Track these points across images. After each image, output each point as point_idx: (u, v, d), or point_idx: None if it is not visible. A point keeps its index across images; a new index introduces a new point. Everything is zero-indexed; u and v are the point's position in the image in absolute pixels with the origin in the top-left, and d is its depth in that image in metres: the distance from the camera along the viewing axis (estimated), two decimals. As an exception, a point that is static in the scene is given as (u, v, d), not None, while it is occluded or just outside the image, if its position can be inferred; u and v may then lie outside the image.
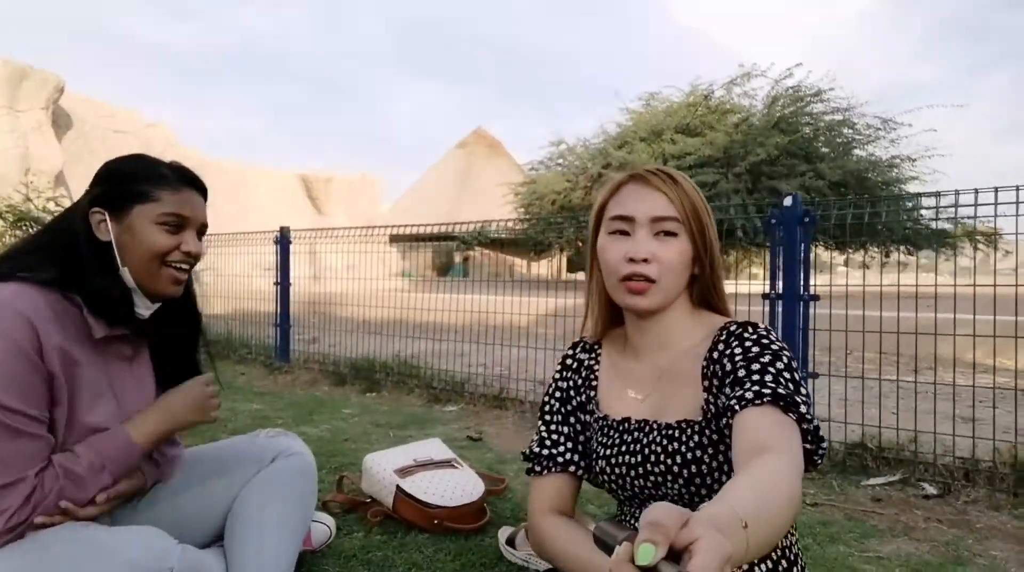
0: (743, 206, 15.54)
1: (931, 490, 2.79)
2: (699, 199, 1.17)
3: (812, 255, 3.29)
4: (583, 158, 19.01)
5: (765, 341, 1.09)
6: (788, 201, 3.26)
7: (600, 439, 1.25)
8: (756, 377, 1.02)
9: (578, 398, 1.32)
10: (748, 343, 1.09)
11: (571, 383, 1.34)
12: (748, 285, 4.13)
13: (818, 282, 3.42)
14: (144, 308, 1.44)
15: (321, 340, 6.00)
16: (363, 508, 2.30)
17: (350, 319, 5.69)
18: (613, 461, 1.22)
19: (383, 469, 2.30)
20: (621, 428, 1.22)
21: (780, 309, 3.26)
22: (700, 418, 1.12)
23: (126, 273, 1.38)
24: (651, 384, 1.22)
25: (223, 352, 6.09)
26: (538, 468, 1.29)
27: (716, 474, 1.11)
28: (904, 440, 2.98)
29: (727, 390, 1.06)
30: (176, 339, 1.57)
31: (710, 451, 1.11)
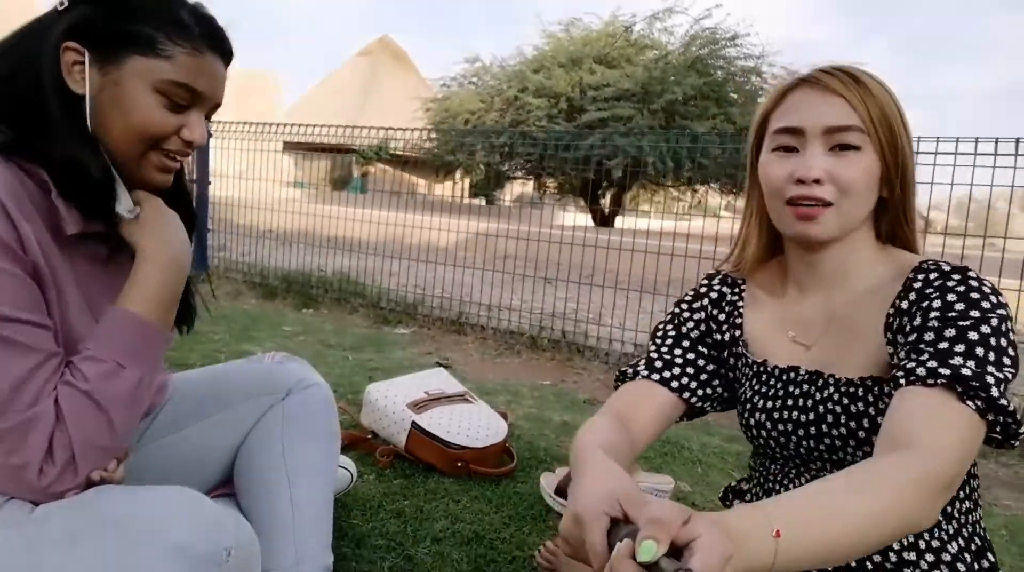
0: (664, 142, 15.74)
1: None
2: (890, 103, 0.93)
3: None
4: (499, 79, 18.41)
5: (976, 295, 0.86)
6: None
7: (757, 388, 1.05)
8: (944, 345, 0.82)
9: (719, 335, 1.12)
10: (952, 297, 0.86)
11: (707, 314, 1.13)
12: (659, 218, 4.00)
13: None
14: (126, 208, 1.00)
15: (229, 248, 5.36)
16: (363, 445, 2.00)
17: (251, 227, 5.14)
18: (776, 416, 1.03)
19: (393, 402, 1.98)
20: (786, 378, 1.02)
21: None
22: (889, 376, 0.90)
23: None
24: (820, 328, 1.01)
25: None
26: (644, 372, 1.08)
27: None
28: None
29: (902, 353, 0.86)
30: None
31: None
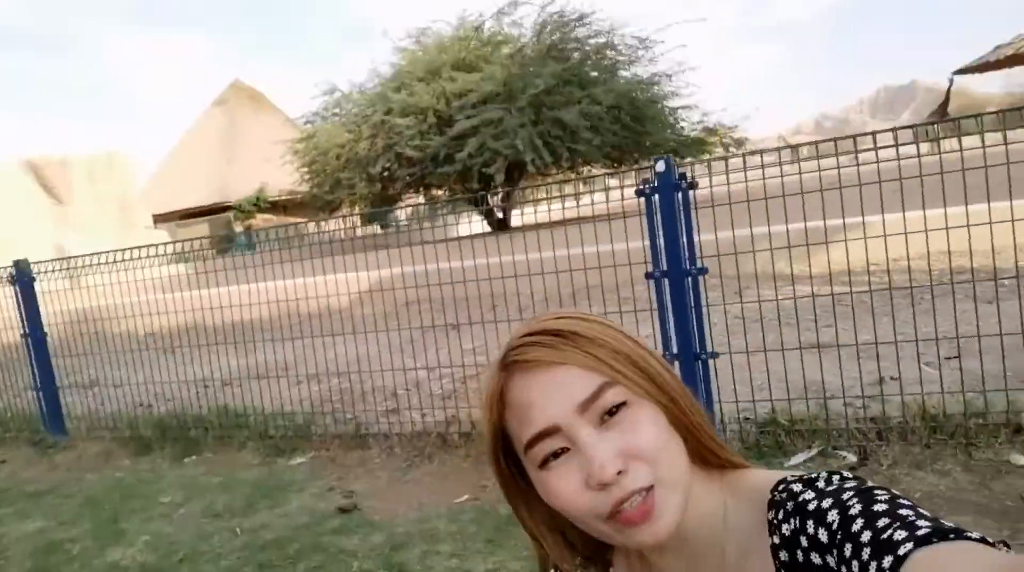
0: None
1: (851, 457, 2.71)
2: (609, 332, 0.75)
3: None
4: (362, 105, 17.88)
5: (833, 491, 0.67)
6: (660, 166, 2.89)
7: None
8: (874, 535, 0.61)
9: None
10: (823, 506, 0.66)
11: None
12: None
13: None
14: None
15: (102, 380, 4.75)
16: None
17: (129, 338, 4.57)
18: None
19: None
20: None
21: (667, 288, 2.94)
22: None
23: None
24: None
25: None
26: None
27: None
28: (814, 410, 2.85)
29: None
30: None
31: None
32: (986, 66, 21.46)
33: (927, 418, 2.69)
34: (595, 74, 17.23)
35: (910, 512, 0.60)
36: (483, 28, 18.11)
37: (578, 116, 15.46)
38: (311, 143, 18.33)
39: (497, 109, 15.63)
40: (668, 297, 2.96)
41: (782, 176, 2.81)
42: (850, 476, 0.68)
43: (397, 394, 4.18)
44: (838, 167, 2.77)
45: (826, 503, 0.66)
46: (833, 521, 0.65)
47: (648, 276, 3.01)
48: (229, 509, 3.10)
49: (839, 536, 0.64)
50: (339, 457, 3.54)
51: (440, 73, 17.02)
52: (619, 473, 0.67)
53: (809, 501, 0.67)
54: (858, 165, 2.73)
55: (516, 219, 16.19)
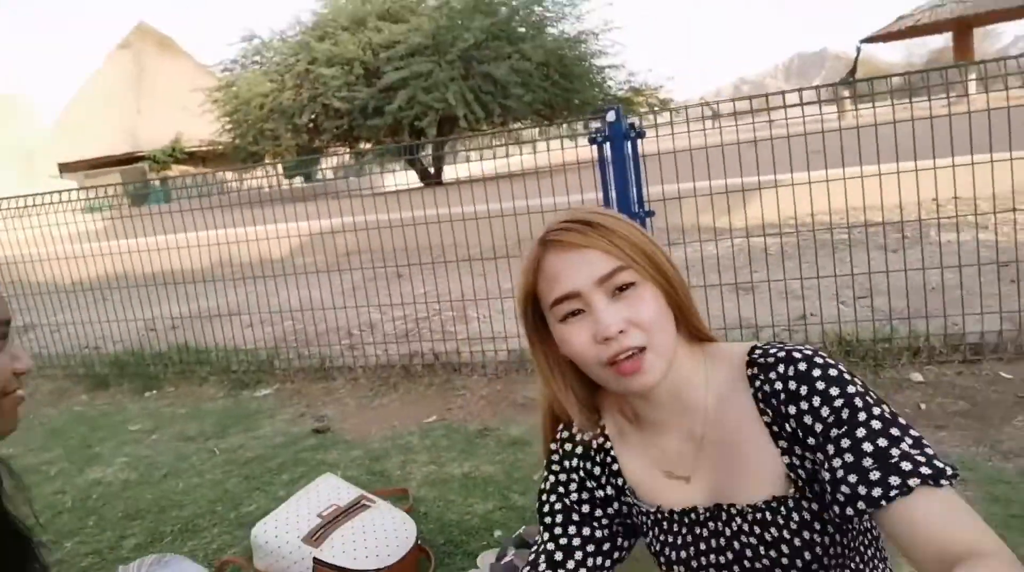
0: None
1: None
2: (630, 230, 0.95)
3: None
4: (284, 54, 17.27)
5: (835, 375, 0.88)
6: (611, 116, 3.13)
7: (663, 538, 1.02)
8: (881, 454, 0.82)
9: (601, 492, 1.07)
10: (822, 394, 0.88)
11: (585, 472, 1.07)
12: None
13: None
14: None
15: (39, 323, 4.68)
16: (271, 591, 1.84)
17: (55, 286, 4.51)
18: (695, 565, 1.00)
19: (286, 541, 1.84)
20: (688, 521, 1.00)
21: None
22: (792, 491, 0.92)
23: None
24: (692, 458, 1.00)
25: None
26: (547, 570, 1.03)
27: (834, 550, 0.93)
28: (748, 338, 3.21)
29: (840, 474, 0.85)
30: None
31: (818, 526, 0.92)
32: (889, 36, 22.68)
33: (843, 344, 3.09)
34: (523, 30, 17.23)
35: (895, 429, 0.82)
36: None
37: (508, 71, 15.50)
38: (231, 92, 17.62)
39: (426, 62, 15.47)
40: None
41: (721, 130, 3.12)
42: (820, 354, 0.89)
43: (352, 334, 4.35)
44: (770, 123, 3.08)
45: (814, 388, 0.86)
46: (817, 410, 0.86)
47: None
48: (202, 433, 3.23)
49: (820, 423, 0.85)
50: (304, 389, 3.71)
51: (365, 23, 16.63)
52: (620, 333, 0.87)
53: (789, 375, 0.88)
54: (787, 120, 3.08)
55: (448, 174, 16.20)
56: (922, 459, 0.80)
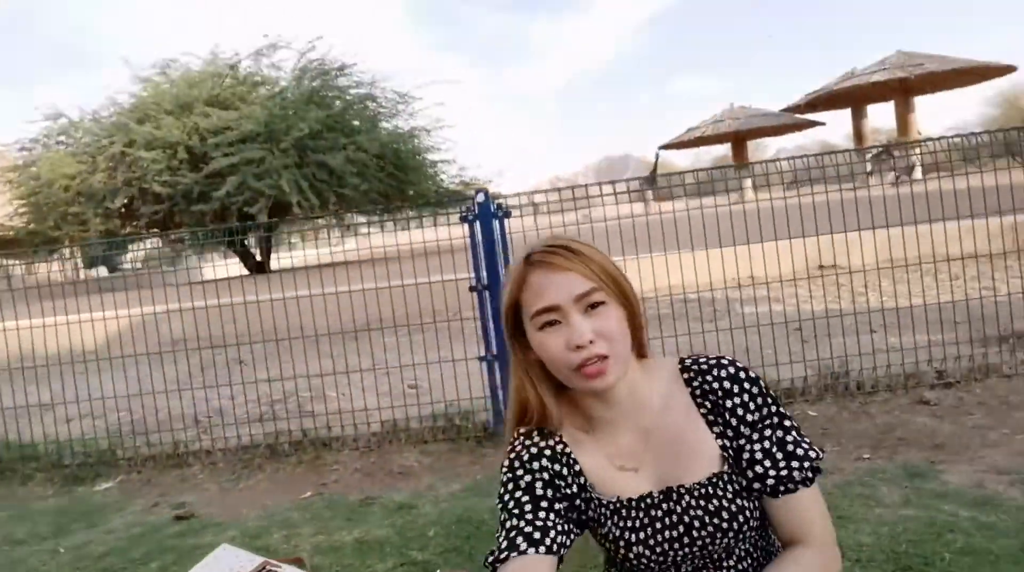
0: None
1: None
2: (602, 257, 1.17)
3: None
4: (97, 135, 16.17)
5: (748, 385, 1.16)
6: (480, 197, 3.41)
7: (622, 524, 1.18)
8: (788, 446, 1.13)
9: (568, 489, 1.19)
10: (748, 385, 1.15)
11: (552, 472, 1.19)
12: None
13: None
14: None
15: None
16: None
17: None
18: (652, 542, 1.17)
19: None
20: (644, 505, 1.17)
21: (488, 298, 3.43)
22: (726, 467, 1.15)
23: None
24: (641, 450, 1.19)
25: None
26: (527, 548, 1.09)
27: (756, 513, 1.18)
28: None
29: (758, 456, 1.14)
30: None
31: (745, 493, 1.16)
32: (681, 144, 25.90)
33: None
34: (357, 123, 17.60)
35: (794, 431, 1.14)
36: (239, 67, 17.58)
37: (344, 162, 15.67)
38: (29, 172, 16.07)
39: (258, 149, 15.23)
40: (489, 307, 3.45)
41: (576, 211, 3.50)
42: (743, 370, 1.18)
43: (199, 421, 4.10)
44: (589, 211, 3.52)
45: (740, 389, 1.14)
46: (745, 405, 1.14)
47: (472, 289, 3.48)
48: (35, 535, 2.87)
49: (748, 412, 1.13)
50: (155, 478, 3.42)
51: (192, 108, 16.13)
52: (590, 342, 1.07)
53: (713, 366, 1.16)
54: (604, 208, 3.53)
55: (273, 265, 15.74)
56: (813, 454, 1.11)
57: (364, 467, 3.29)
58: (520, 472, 1.17)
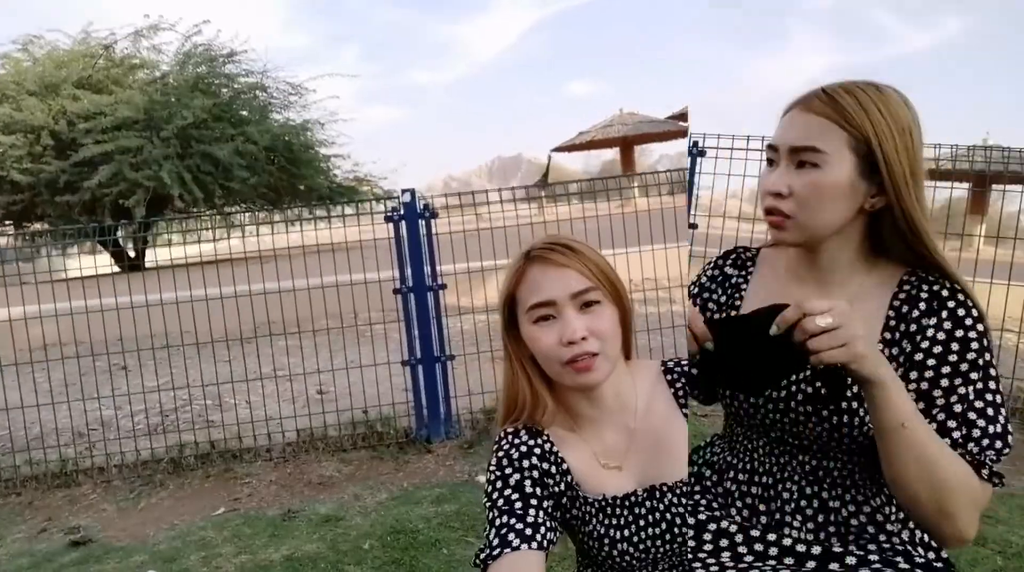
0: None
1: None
2: (599, 257, 1.20)
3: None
4: (-55, 116, 14.53)
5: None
6: (406, 197, 3.32)
7: (607, 522, 1.19)
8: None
9: (556, 488, 1.19)
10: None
11: (541, 471, 1.19)
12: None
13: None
14: None
15: None
16: None
17: None
18: (636, 539, 1.19)
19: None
20: (629, 503, 1.19)
21: (413, 300, 3.35)
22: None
23: None
24: (625, 449, 1.21)
25: None
26: (519, 545, 1.07)
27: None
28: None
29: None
30: None
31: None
32: (572, 147, 26.55)
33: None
34: (246, 113, 16.79)
35: None
36: (113, 48, 16.33)
37: (232, 153, 14.91)
38: None
39: (136, 137, 14.20)
40: (413, 309, 3.36)
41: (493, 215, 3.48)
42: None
43: (81, 434, 3.74)
44: (489, 214, 3.52)
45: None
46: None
47: (396, 292, 3.38)
48: (-101, 572, 2.51)
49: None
50: (38, 500, 3.08)
51: (58, 90, 14.83)
52: (583, 339, 1.08)
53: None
54: (498, 213, 3.54)
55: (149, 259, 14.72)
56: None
57: (280, 479, 3.11)
58: (509, 470, 1.16)
